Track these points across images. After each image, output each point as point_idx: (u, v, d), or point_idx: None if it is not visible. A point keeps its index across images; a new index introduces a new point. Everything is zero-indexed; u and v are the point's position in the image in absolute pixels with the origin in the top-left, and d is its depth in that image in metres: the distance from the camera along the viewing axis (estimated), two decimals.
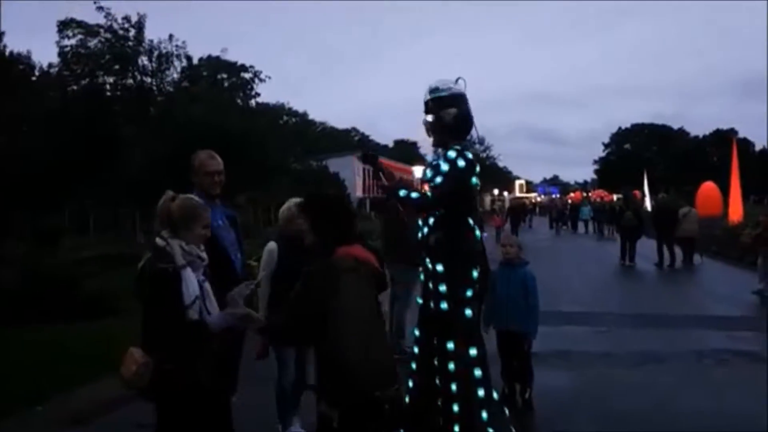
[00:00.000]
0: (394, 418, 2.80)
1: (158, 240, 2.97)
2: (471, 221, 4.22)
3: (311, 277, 2.79)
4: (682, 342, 7.67)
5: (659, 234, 17.05)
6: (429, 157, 4.52)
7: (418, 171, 30.35)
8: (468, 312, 4.01)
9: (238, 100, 25.23)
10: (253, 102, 26.49)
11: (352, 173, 52.12)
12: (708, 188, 31.15)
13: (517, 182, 63.85)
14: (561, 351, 7.10)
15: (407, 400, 4.36)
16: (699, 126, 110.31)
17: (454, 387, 3.92)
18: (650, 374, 6.39)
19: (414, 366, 4.33)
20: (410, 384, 4.35)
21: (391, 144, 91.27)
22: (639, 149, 79.32)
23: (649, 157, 72.67)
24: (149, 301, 2.90)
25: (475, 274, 4.10)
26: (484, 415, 3.93)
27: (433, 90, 4.14)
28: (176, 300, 2.84)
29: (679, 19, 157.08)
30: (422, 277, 4.24)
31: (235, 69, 33.51)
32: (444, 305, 3.98)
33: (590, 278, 13.93)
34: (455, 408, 3.89)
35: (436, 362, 4.06)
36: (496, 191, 57.69)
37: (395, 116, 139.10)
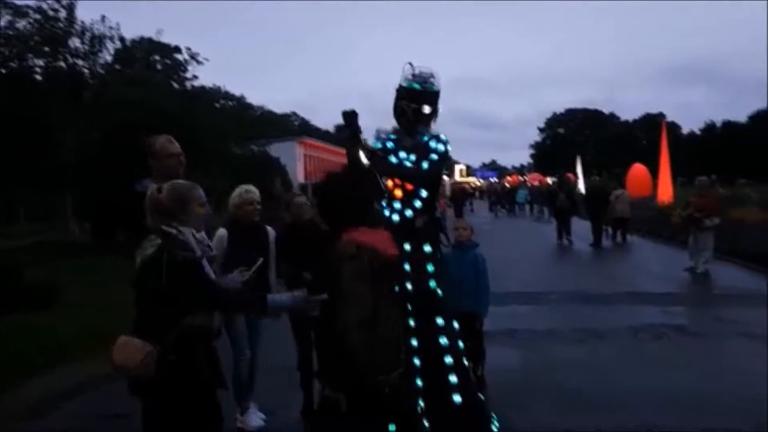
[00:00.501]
0: (395, 403, 2.84)
1: (167, 228, 2.91)
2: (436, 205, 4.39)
3: (315, 268, 2.86)
4: (620, 318, 8.05)
5: (592, 215, 17.95)
6: (374, 143, 4.57)
7: (363, 157, 30.42)
8: (439, 291, 4.18)
9: (175, 84, 24.50)
10: (188, 84, 25.77)
11: (293, 159, 51.57)
12: (638, 170, 32.45)
13: (457, 167, 64.52)
14: (509, 329, 7.35)
15: None
16: (629, 111, 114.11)
17: (449, 359, 4.06)
18: (593, 349, 6.71)
19: None
20: None
21: (331, 129, 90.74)
22: (572, 134, 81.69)
23: (582, 141, 74.94)
24: (171, 290, 2.84)
25: (438, 255, 4.28)
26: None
27: (431, 82, 4.23)
28: (197, 289, 2.86)
29: (608, 9, 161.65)
30: None
31: (168, 50, 32.52)
32: (433, 284, 4.11)
33: (531, 258, 14.39)
34: (453, 379, 4.03)
35: (415, 342, 4.15)
36: None
37: (336, 101, 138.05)
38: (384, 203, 4.37)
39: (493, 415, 4.28)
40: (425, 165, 4.14)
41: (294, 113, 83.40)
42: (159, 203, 2.97)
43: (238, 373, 4.88)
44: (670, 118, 72.15)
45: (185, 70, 30.33)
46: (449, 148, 4.24)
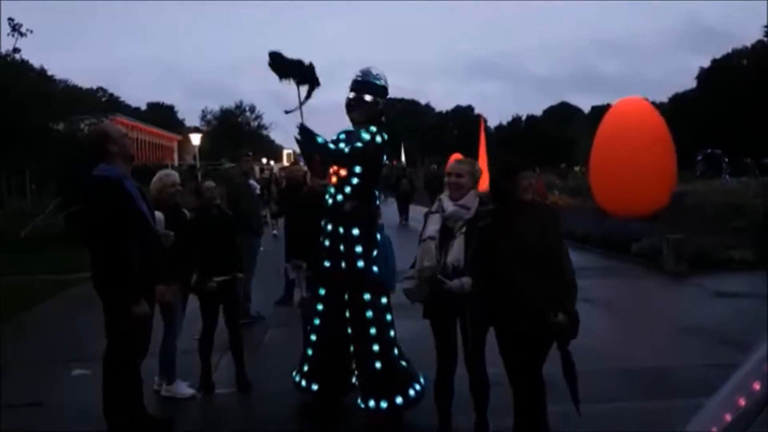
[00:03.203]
0: None
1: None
2: (376, 192, 4.86)
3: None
4: None
5: (431, 198, 19.61)
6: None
7: (195, 138, 29.37)
8: (375, 268, 4.67)
9: None
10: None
11: None
12: (456, 159, 35.56)
13: (285, 152, 64.59)
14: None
15: (310, 352, 4.85)
16: (439, 102, 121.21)
17: (373, 330, 4.56)
18: None
19: (318, 321, 4.84)
20: (314, 338, 4.86)
21: (144, 107, 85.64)
22: (393, 122, 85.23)
23: (402, 130, 78.51)
24: None
25: (378, 236, 4.78)
26: (396, 351, 4.65)
27: (368, 74, 4.67)
28: None
29: (416, 3, 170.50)
30: (327, 241, 4.74)
31: None
32: (361, 263, 4.58)
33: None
34: (375, 348, 4.53)
35: (348, 314, 4.63)
36: (264, 160, 57.65)
37: (147, 77, 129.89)
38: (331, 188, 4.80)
39: (420, 379, 4.71)
40: (346, 149, 4.60)
41: (101, 88, 77.27)
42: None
43: (169, 347, 5.14)
44: (477, 110, 78.42)
45: None
46: (378, 138, 4.67)
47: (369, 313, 4.61)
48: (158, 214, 4.48)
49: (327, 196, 4.77)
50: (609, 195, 15.55)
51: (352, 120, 4.78)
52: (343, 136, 4.79)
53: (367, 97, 4.72)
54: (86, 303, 8.76)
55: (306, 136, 4.56)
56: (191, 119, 77.51)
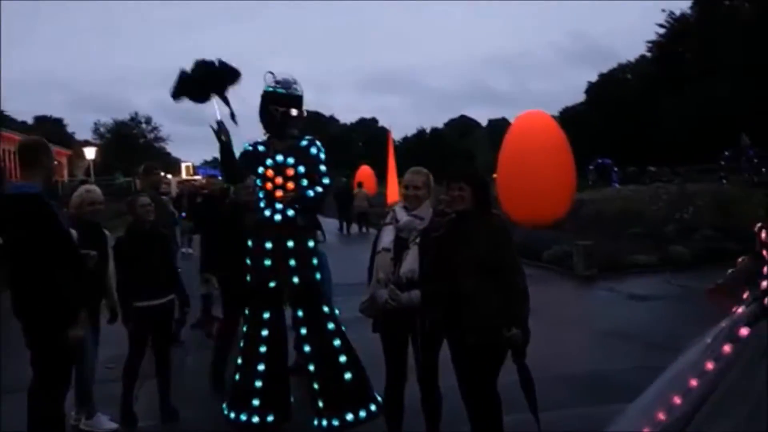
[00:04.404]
0: None
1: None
2: None
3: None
4: None
5: (340, 210, 21.63)
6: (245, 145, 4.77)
7: (89, 152, 27.86)
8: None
9: None
10: None
11: None
12: (364, 171, 36.08)
13: (183, 165, 62.35)
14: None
15: (259, 384, 4.55)
16: (341, 114, 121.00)
17: (337, 342, 4.49)
18: None
19: (265, 349, 4.59)
20: (261, 368, 4.57)
21: (30, 120, 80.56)
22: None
23: None
24: None
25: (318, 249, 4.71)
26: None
27: (294, 87, 4.57)
28: None
29: (315, 17, 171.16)
30: (269, 260, 4.54)
31: None
32: (318, 276, 4.47)
33: None
34: (342, 359, 4.45)
35: (303, 330, 4.46)
36: (162, 173, 55.52)
37: (32, 89, 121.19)
38: (263, 204, 4.61)
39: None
40: (326, 180, 4.62)
41: None
42: None
43: (82, 375, 4.73)
44: (380, 123, 79.28)
45: None
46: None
47: (331, 325, 4.56)
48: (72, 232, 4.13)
49: (268, 213, 4.55)
50: (515, 204, 16.03)
51: (283, 134, 4.65)
52: (262, 149, 4.64)
53: (294, 112, 4.63)
54: None
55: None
56: (82, 133, 73.53)
